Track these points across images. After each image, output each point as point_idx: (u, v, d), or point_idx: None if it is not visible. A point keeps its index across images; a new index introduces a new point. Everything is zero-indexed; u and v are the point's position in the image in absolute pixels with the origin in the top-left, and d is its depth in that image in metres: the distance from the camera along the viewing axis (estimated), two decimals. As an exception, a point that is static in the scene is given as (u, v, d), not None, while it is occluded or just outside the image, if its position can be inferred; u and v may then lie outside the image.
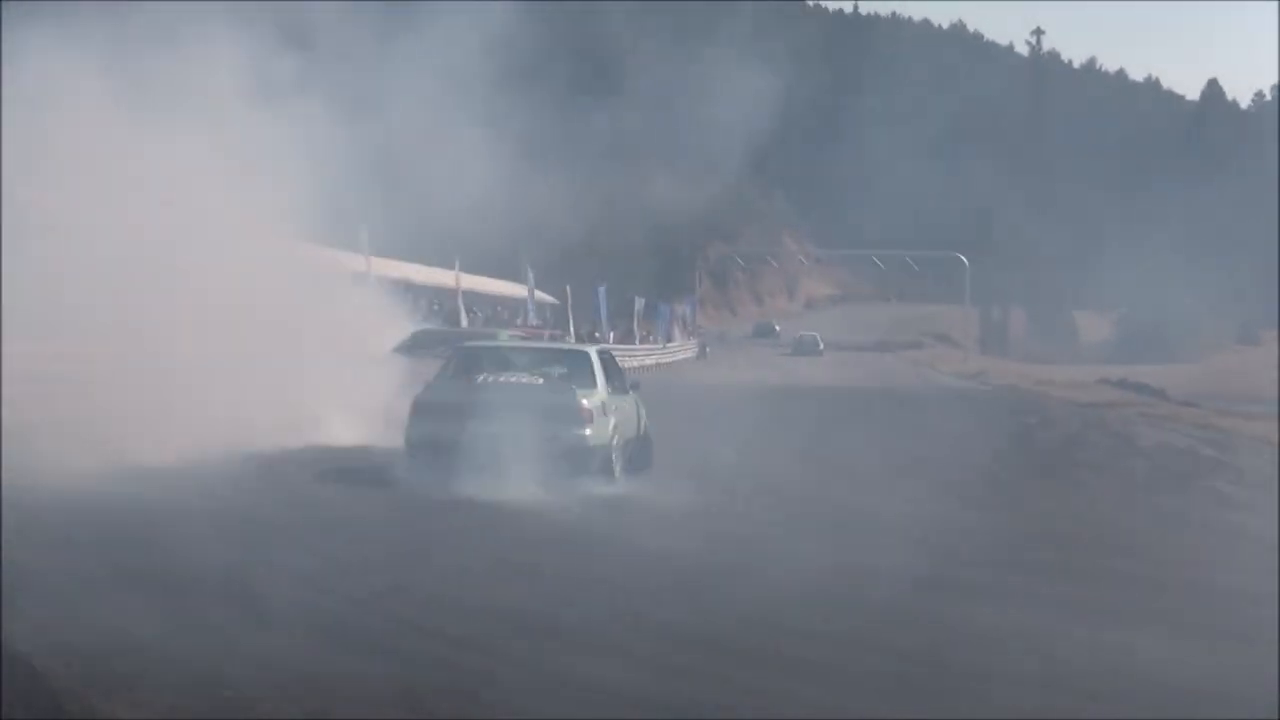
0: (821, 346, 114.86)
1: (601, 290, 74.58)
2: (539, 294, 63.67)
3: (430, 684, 9.00)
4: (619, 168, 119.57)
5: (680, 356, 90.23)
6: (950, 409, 45.49)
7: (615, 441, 21.03)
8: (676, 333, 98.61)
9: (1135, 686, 9.61)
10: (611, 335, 73.93)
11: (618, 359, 25.10)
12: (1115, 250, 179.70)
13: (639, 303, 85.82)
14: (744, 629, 11.08)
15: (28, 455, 18.41)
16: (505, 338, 29.13)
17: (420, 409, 20.61)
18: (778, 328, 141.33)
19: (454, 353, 22.76)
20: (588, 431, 20.23)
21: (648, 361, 75.36)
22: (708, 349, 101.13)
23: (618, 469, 20.96)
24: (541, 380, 21.20)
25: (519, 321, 60.44)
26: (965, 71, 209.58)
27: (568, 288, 68.32)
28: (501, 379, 21.22)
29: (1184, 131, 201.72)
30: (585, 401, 20.45)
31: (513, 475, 18.76)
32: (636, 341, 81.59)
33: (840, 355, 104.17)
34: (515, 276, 64.42)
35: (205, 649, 9.55)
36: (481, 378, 21.24)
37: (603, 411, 20.81)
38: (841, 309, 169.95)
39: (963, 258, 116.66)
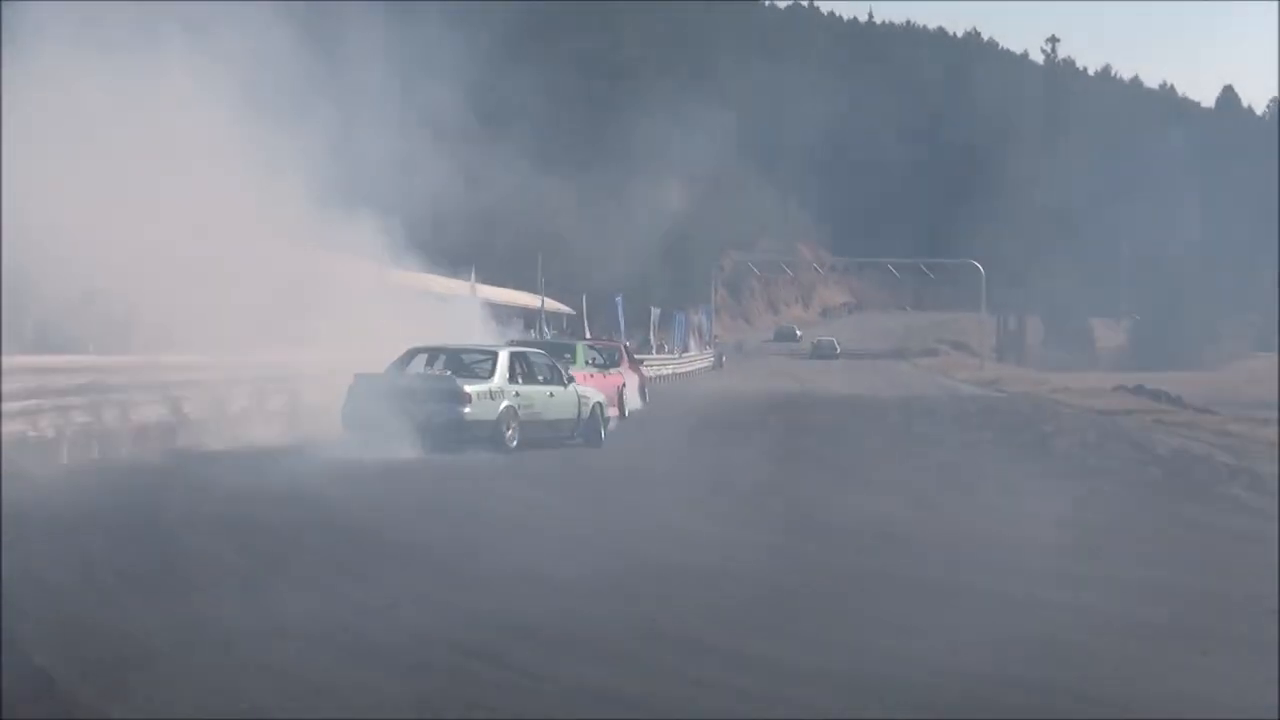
0: (838, 350, 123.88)
1: (619, 299, 74.59)
2: (554, 304, 63.64)
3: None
4: (635, 177, 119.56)
5: (696, 366, 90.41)
6: (967, 417, 45.41)
7: (510, 420, 26.84)
8: (693, 342, 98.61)
9: (1150, 692, 9.57)
10: (626, 345, 74.02)
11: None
12: (1131, 257, 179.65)
13: (655, 312, 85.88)
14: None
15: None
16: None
17: (351, 393, 26.14)
18: (799, 333, 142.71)
19: (404, 351, 27.81)
20: (467, 410, 26.10)
21: (664, 371, 75.40)
22: (724, 358, 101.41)
23: (513, 441, 26.74)
24: (449, 372, 27.58)
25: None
26: (980, 79, 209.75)
27: (584, 297, 68.28)
28: (420, 371, 27.90)
29: (1199, 137, 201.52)
30: (467, 388, 26.36)
31: (407, 442, 24.41)
32: (654, 351, 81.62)
33: (856, 363, 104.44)
34: (528, 286, 64.35)
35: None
36: (407, 369, 27.59)
37: (489, 396, 26.63)
38: (857, 317, 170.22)
39: (978, 265, 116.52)
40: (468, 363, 28.24)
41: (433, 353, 28.63)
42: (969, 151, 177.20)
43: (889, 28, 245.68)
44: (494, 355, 28.06)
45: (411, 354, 28.00)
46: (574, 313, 67.56)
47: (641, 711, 8.70)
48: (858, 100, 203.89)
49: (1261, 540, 17.82)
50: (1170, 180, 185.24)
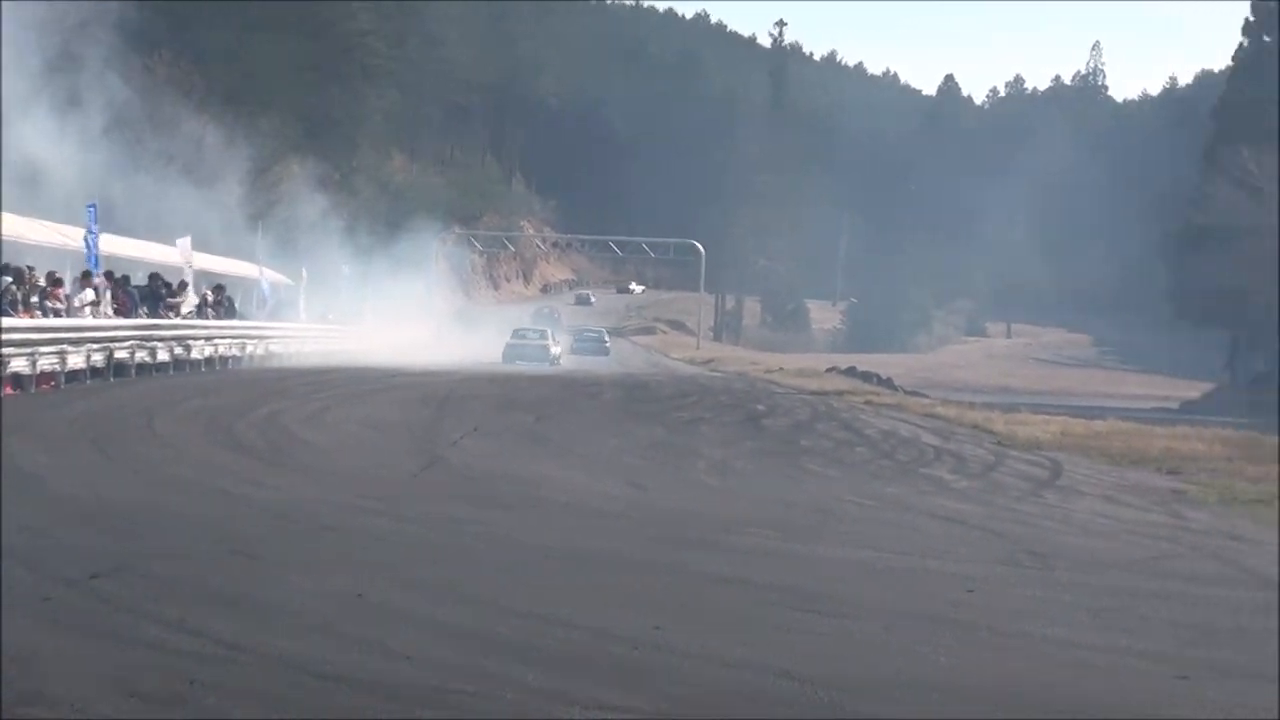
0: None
1: (346, 269, 74.60)
2: (273, 274, 62.78)
3: None
4: (359, 148, 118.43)
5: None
6: (682, 396, 45.74)
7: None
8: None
9: (847, 673, 9.71)
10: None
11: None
12: (849, 240, 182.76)
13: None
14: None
15: None
16: None
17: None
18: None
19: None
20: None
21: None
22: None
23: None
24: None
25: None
26: (708, 61, 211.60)
27: (304, 269, 67.56)
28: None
29: (921, 124, 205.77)
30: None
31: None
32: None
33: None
34: (244, 255, 63.41)
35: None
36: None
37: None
38: (577, 294, 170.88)
39: (699, 245, 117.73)
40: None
41: None
42: (694, 132, 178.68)
43: (620, 8, 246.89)
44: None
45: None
46: (292, 283, 66.74)
47: (343, 684, 8.63)
48: (586, 79, 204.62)
49: (964, 522, 18.21)
50: (892, 166, 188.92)
